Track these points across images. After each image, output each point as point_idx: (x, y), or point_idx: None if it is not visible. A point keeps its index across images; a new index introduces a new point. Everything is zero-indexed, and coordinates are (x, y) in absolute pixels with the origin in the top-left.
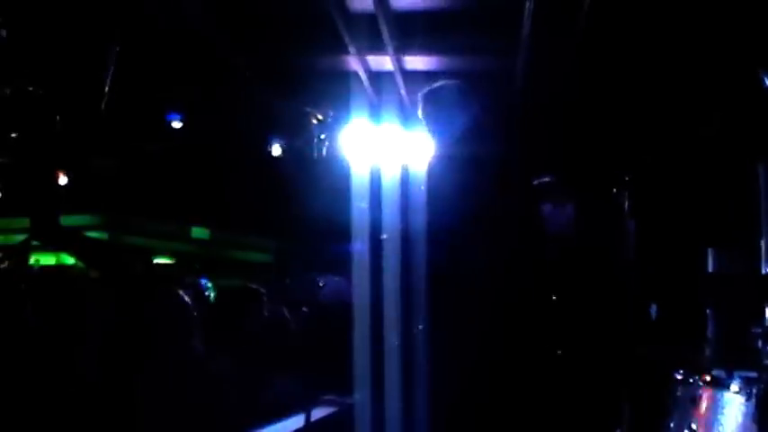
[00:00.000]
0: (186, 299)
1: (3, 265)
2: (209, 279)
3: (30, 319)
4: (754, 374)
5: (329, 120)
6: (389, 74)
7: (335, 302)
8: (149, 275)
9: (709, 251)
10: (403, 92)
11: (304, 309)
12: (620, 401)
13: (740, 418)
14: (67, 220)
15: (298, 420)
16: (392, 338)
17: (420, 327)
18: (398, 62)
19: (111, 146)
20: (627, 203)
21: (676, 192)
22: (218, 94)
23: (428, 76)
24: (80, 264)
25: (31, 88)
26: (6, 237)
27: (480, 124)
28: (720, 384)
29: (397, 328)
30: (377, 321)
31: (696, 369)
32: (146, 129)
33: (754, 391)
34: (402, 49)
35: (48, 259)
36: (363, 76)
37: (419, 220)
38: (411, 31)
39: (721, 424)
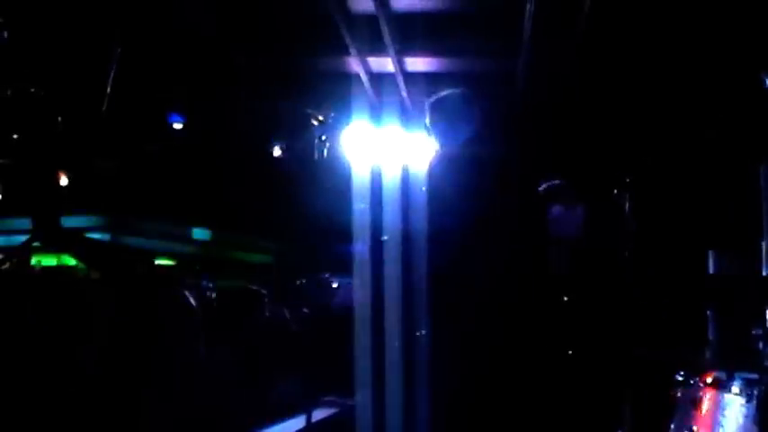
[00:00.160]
0: (190, 300)
1: (4, 267)
2: (211, 280)
3: (31, 320)
4: (754, 376)
5: (330, 121)
6: (390, 75)
7: (344, 305)
8: (151, 276)
9: (710, 253)
10: (404, 93)
11: (305, 310)
12: (621, 402)
13: (741, 420)
14: (69, 222)
15: (299, 421)
16: (393, 340)
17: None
18: (400, 64)
19: (113, 147)
20: (628, 205)
21: (677, 193)
22: (220, 95)
23: (429, 77)
24: (81, 265)
25: (32, 89)
26: (7, 238)
27: (483, 130)
28: (721, 386)
29: (399, 329)
30: (378, 322)
31: (697, 371)
32: (147, 130)
33: (755, 392)
34: (403, 50)
35: (49, 260)
36: (364, 77)
37: (420, 220)
38: (412, 32)
39: (722, 425)
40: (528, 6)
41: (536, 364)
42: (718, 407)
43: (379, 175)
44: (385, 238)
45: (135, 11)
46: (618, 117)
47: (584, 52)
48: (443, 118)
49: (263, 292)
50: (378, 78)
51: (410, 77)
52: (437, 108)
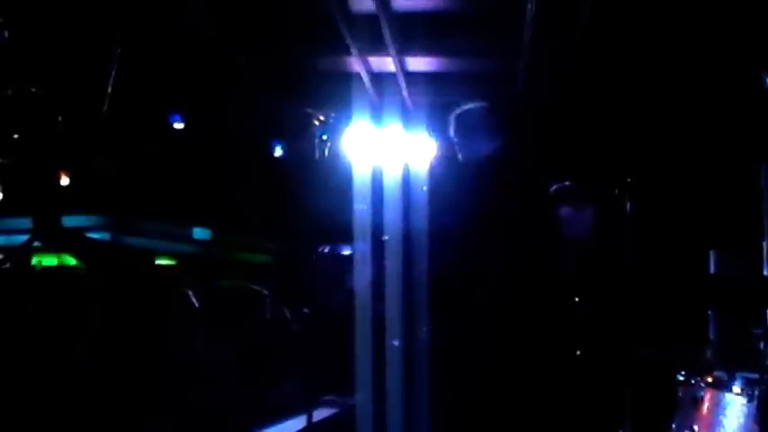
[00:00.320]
0: (191, 299)
1: (5, 266)
2: (212, 280)
3: (32, 320)
4: (755, 376)
5: (331, 121)
6: (391, 75)
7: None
8: (151, 276)
9: (711, 253)
10: (405, 93)
11: (305, 310)
12: (623, 402)
13: (742, 420)
14: (69, 221)
15: (299, 421)
16: (394, 339)
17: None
18: (400, 63)
19: (114, 147)
20: (629, 205)
21: (678, 193)
22: (220, 95)
23: (430, 77)
24: (82, 265)
25: (32, 89)
26: (8, 238)
27: (503, 143)
28: (722, 386)
29: (399, 328)
30: (379, 322)
31: (698, 370)
32: (148, 129)
33: (756, 392)
34: (404, 50)
35: (49, 260)
36: (365, 77)
37: (421, 220)
38: (413, 32)
39: (723, 425)
40: (528, 6)
41: (537, 364)
42: (718, 406)
43: (380, 174)
44: (386, 237)
45: (135, 11)
46: (618, 117)
47: (584, 52)
48: (467, 131)
49: (265, 292)
50: (378, 78)
51: (411, 77)
52: (461, 121)
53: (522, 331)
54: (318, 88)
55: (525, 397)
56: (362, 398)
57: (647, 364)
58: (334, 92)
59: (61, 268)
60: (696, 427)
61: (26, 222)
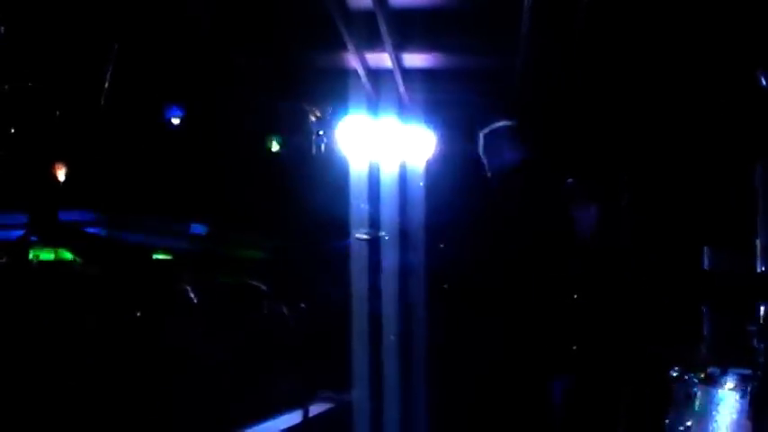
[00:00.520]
0: (188, 294)
1: (1, 261)
2: (208, 275)
3: (28, 314)
4: (748, 372)
5: (328, 116)
6: (388, 71)
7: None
8: (148, 271)
9: (705, 249)
10: (401, 89)
11: (302, 305)
12: (618, 398)
13: (735, 415)
14: (66, 216)
15: (295, 416)
16: (390, 334)
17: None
18: (397, 59)
19: (110, 142)
20: (624, 202)
21: (672, 191)
22: (217, 90)
23: (427, 73)
24: (78, 259)
25: (30, 83)
26: (5, 233)
27: (530, 159)
28: (715, 381)
29: (396, 325)
30: (375, 318)
31: (691, 366)
32: (144, 125)
33: (749, 388)
34: (401, 46)
35: (46, 255)
36: (362, 73)
37: (418, 216)
38: (410, 28)
39: (716, 421)
40: (525, 3)
41: (534, 360)
42: (712, 402)
43: (377, 170)
44: (382, 233)
45: (132, 6)
46: (613, 115)
47: (580, 49)
48: (495, 148)
49: (263, 288)
50: (375, 74)
51: (407, 73)
52: (489, 138)
53: (520, 328)
54: (315, 84)
55: (522, 393)
56: (359, 394)
57: (643, 361)
58: (331, 88)
59: (58, 263)
60: (689, 423)
61: (23, 217)
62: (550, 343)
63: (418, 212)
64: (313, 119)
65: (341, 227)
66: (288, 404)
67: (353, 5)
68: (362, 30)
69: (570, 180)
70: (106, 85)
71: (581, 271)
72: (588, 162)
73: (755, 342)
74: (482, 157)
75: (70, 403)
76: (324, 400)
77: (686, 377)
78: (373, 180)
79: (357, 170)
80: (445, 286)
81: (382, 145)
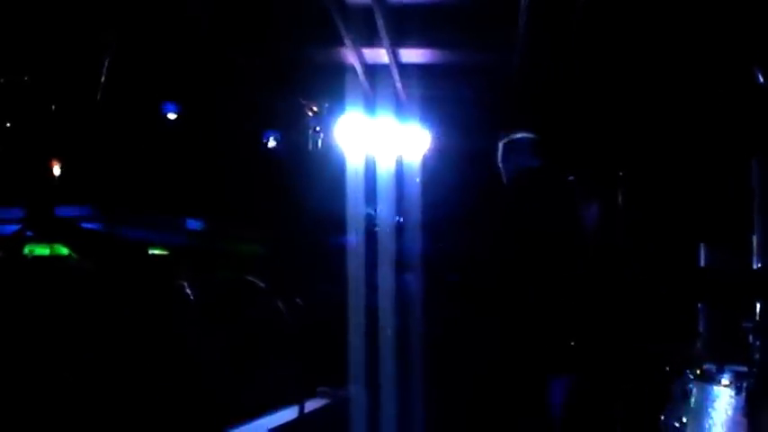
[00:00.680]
0: (185, 290)
1: None
2: (204, 271)
3: (23, 309)
4: (744, 369)
5: (324, 112)
6: (385, 67)
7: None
8: (144, 266)
9: (701, 246)
10: (398, 85)
11: (298, 301)
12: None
13: (730, 412)
14: (62, 211)
15: (291, 412)
16: (387, 330)
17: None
18: (394, 55)
19: (106, 137)
20: (620, 199)
21: (669, 187)
22: (214, 85)
23: (424, 69)
24: (74, 255)
25: (26, 78)
26: (0, 227)
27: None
28: (711, 378)
29: (392, 320)
30: (372, 313)
31: (687, 363)
32: (141, 120)
33: (745, 385)
34: (398, 42)
35: (42, 250)
36: (359, 68)
37: (414, 211)
38: (407, 24)
39: (711, 417)
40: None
41: (531, 356)
42: (708, 399)
43: (374, 166)
44: (379, 228)
45: (129, 1)
46: (610, 111)
47: (577, 45)
48: (514, 157)
49: (261, 284)
50: (372, 70)
51: (404, 69)
52: (509, 148)
53: (517, 323)
54: (312, 80)
55: (519, 390)
56: (356, 389)
57: (640, 358)
58: (329, 84)
59: (53, 258)
60: (685, 420)
61: (18, 212)
62: (548, 340)
63: (415, 208)
64: (310, 114)
65: (338, 222)
66: (284, 400)
67: (351, 1)
68: (360, 25)
69: (571, 178)
70: (102, 79)
71: (582, 270)
72: (585, 159)
73: (751, 339)
74: (500, 165)
75: (66, 398)
76: (320, 395)
77: (682, 374)
78: (370, 175)
79: (354, 165)
80: (443, 281)
81: (379, 140)
